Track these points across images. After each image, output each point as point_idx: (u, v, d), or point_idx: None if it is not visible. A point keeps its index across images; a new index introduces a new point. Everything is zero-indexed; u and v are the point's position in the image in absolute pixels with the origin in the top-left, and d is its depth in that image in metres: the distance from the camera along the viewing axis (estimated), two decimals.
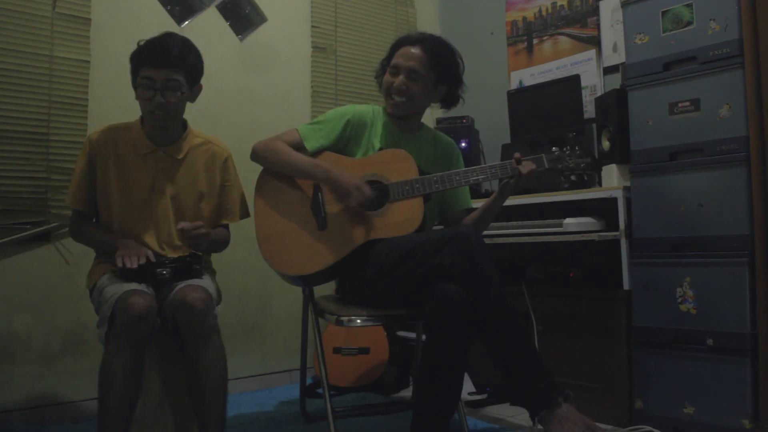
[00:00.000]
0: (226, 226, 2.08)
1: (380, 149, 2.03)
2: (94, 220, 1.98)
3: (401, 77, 2.01)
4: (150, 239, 1.90)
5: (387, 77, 2.05)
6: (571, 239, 2.39)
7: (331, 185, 1.93)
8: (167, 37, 1.89)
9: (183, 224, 1.81)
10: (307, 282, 2.06)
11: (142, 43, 1.88)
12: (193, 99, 1.97)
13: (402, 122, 2.09)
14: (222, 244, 2.05)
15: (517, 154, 1.92)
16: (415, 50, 2.01)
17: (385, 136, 2.06)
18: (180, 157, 1.96)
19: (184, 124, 2.01)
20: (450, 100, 2.13)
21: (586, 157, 1.95)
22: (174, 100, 1.86)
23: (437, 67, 2.03)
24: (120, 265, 1.74)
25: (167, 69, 1.83)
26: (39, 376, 2.39)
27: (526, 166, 1.91)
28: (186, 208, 1.96)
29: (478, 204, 2.13)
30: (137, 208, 1.90)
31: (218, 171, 2.02)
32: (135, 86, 1.88)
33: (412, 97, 2.03)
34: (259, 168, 2.07)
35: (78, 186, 1.91)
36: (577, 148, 1.96)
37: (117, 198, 1.90)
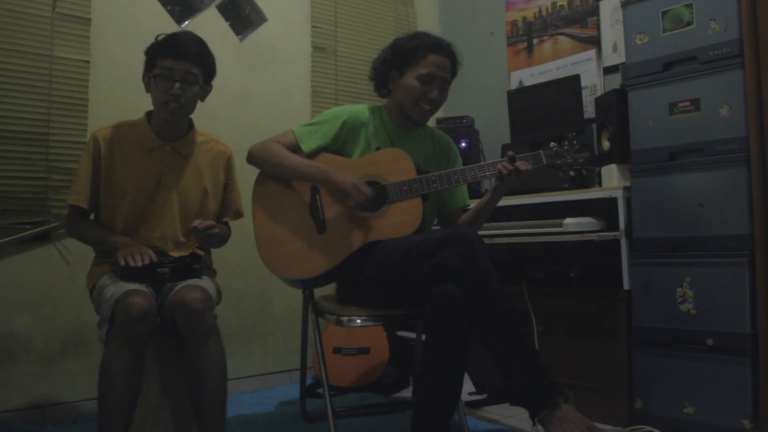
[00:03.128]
0: (226, 223, 2.10)
1: (377, 149, 2.03)
2: (92, 216, 1.98)
3: (437, 90, 1.99)
4: (154, 234, 1.91)
5: (415, 83, 1.98)
6: (571, 239, 2.39)
7: (329, 186, 1.93)
8: (188, 33, 1.93)
9: (197, 222, 1.83)
10: (307, 285, 2.06)
11: (161, 37, 1.90)
12: (203, 98, 1.99)
13: (404, 122, 2.08)
14: (224, 239, 2.06)
15: (510, 153, 1.91)
16: (444, 60, 2.00)
17: (384, 136, 2.06)
18: (186, 152, 1.98)
19: (190, 123, 2.03)
20: None
21: (585, 151, 1.94)
22: (190, 94, 1.89)
23: (453, 75, 2.06)
24: (123, 263, 1.74)
25: (188, 62, 1.86)
26: (39, 376, 2.40)
27: (522, 165, 1.89)
28: (191, 203, 1.97)
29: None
30: (143, 203, 1.91)
31: (222, 169, 2.05)
32: (151, 76, 1.88)
33: (439, 106, 2.05)
34: None
35: (82, 184, 1.91)
36: (575, 142, 1.95)
37: (123, 194, 1.90)
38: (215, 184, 2.03)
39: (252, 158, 2.03)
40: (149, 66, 1.89)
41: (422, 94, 1.98)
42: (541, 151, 1.94)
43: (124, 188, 1.90)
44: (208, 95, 2.01)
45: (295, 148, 2.01)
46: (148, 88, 1.92)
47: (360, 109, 2.08)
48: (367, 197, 1.88)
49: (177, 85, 1.85)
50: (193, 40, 1.90)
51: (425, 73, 1.98)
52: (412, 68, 2.00)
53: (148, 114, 1.98)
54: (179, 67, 1.85)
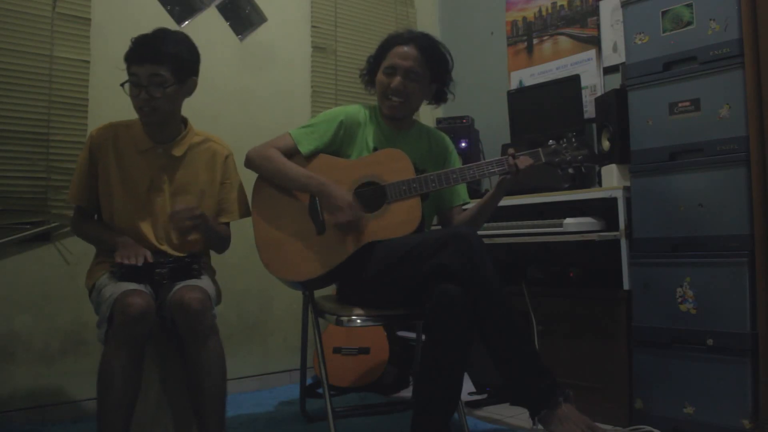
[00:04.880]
0: (227, 225, 2.07)
1: (374, 149, 2.02)
2: (96, 216, 1.98)
3: (399, 78, 1.99)
4: (149, 236, 1.90)
5: (381, 77, 2.02)
6: (571, 239, 2.39)
7: (324, 199, 1.93)
8: (154, 33, 1.87)
9: (174, 210, 1.83)
10: (307, 287, 2.06)
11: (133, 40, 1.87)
12: (188, 93, 1.95)
13: (396, 121, 2.08)
14: (224, 240, 2.05)
15: (511, 150, 1.91)
16: (409, 49, 2.00)
17: (379, 135, 2.06)
18: (178, 155, 1.95)
19: (185, 122, 2.01)
20: (440, 97, 2.14)
21: (584, 148, 1.93)
22: (159, 95, 1.83)
23: (432, 66, 2.03)
24: (119, 263, 1.74)
25: (150, 64, 1.81)
26: (39, 375, 2.40)
27: (523, 161, 1.89)
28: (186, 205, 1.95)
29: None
30: (137, 204, 1.91)
31: (219, 169, 2.02)
32: (125, 83, 1.86)
33: (410, 97, 2.02)
34: None
35: (79, 183, 1.91)
36: (574, 140, 1.94)
37: (118, 194, 1.90)
38: (211, 185, 2.01)
39: (250, 163, 2.03)
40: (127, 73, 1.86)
41: (387, 86, 2.00)
42: (539, 149, 1.93)
43: (117, 188, 1.90)
44: (195, 88, 1.95)
45: (293, 151, 2.00)
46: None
47: (356, 110, 2.08)
48: (353, 221, 1.88)
49: (143, 92, 1.81)
50: (157, 38, 1.84)
51: (387, 65, 2.01)
52: (382, 64, 2.04)
53: None
54: (142, 72, 1.81)
